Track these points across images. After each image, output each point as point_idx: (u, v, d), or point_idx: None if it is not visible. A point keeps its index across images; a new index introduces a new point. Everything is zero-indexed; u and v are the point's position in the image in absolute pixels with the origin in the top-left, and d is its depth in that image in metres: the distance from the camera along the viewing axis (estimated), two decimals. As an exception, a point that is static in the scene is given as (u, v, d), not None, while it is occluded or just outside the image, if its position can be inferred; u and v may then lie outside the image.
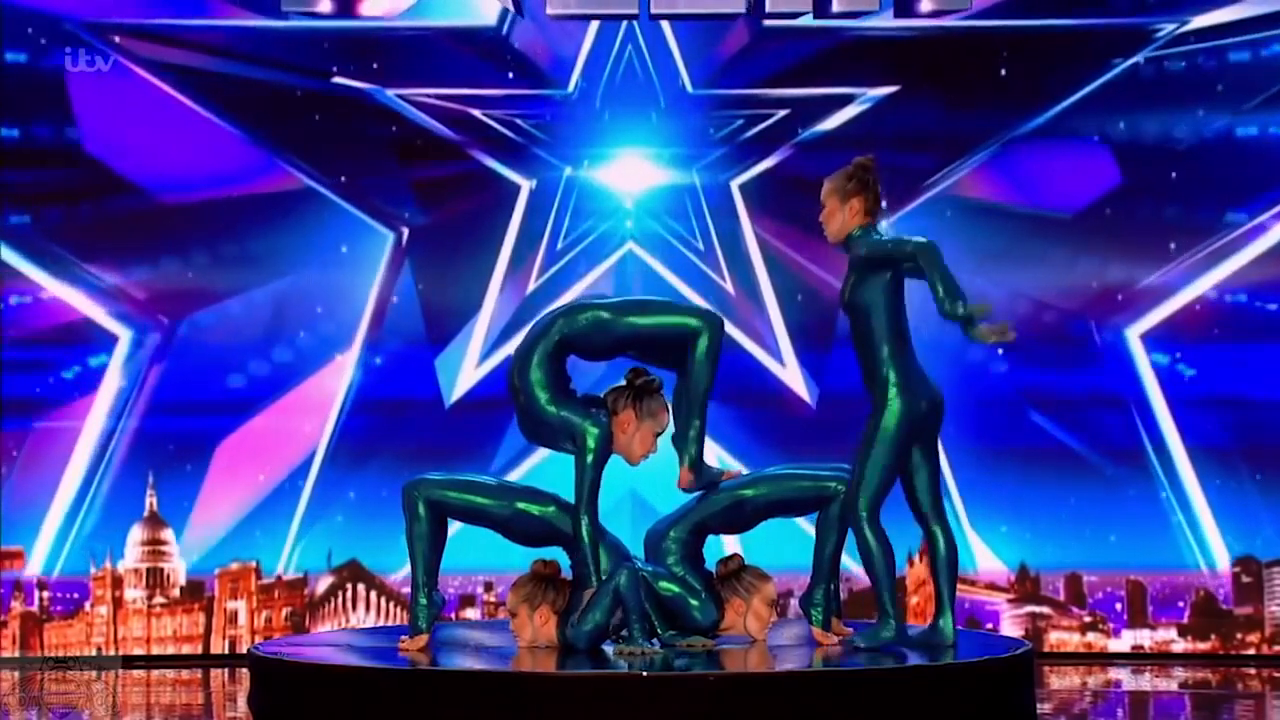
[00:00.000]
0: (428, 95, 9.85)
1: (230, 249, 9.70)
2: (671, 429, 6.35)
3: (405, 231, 9.82)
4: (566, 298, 9.33)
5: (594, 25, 9.81)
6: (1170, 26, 9.70)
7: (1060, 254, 9.65)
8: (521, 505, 6.19)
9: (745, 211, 9.98)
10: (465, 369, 9.86)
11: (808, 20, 9.70)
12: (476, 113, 9.83)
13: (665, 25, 9.78)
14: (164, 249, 9.67)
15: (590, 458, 6.14)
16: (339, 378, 9.66)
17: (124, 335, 9.63)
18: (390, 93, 9.83)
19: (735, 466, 6.64)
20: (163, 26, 9.68)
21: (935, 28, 9.84)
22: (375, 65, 9.80)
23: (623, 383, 6.29)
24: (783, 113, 9.88)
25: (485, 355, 9.88)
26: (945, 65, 9.85)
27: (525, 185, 9.89)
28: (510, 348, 9.55)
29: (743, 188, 9.97)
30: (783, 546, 7.62)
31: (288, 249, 9.70)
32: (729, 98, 9.94)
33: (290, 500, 9.65)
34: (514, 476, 9.08)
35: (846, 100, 9.89)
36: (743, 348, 9.93)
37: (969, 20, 9.76)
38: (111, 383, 9.60)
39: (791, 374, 9.95)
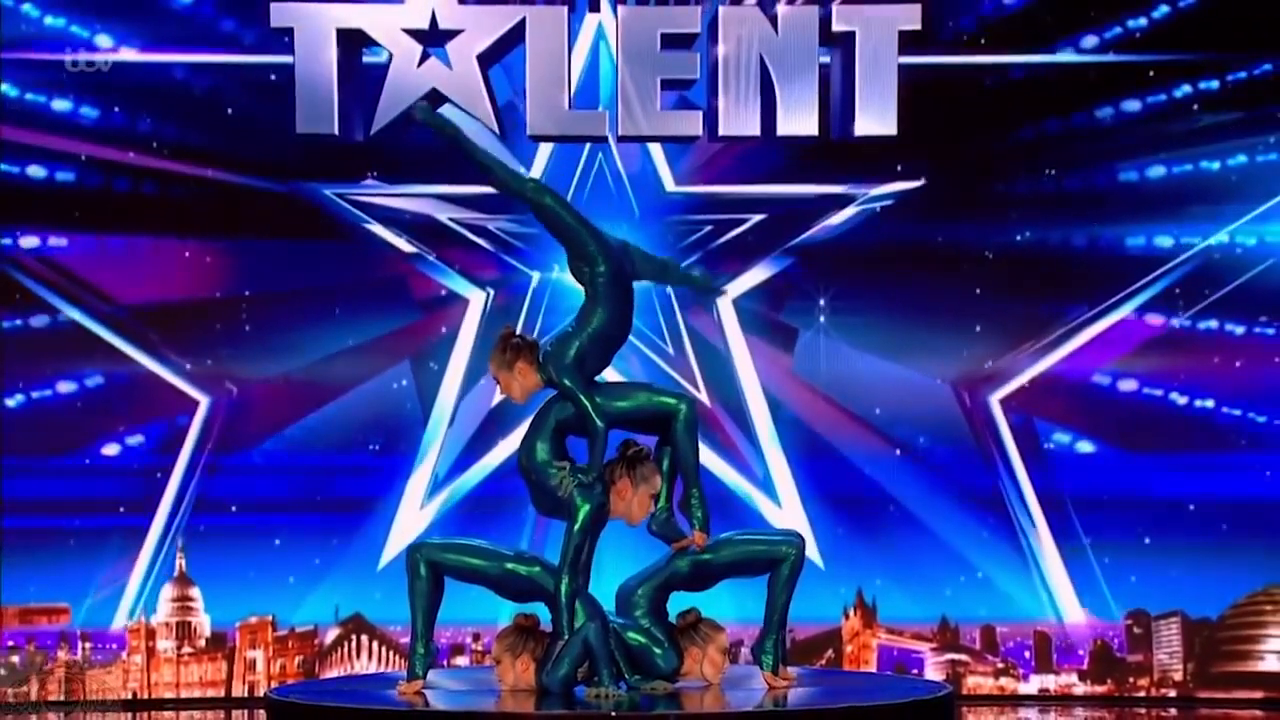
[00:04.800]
0: (373, 196, 9.37)
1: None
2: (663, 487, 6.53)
3: (228, 394, 9.29)
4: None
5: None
6: None
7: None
8: (510, 566, 6.39)
9: (736, 325, 9.10)
10: (408, 506, 9.52)
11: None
12: (444, 218, 9.41)
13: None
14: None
15: (577, 527, 6.30)
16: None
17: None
18: (329, 192, 9.36)
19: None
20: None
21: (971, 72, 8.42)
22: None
23: (616, 455, 6.44)
24: (758, 218, 9.21)
25: (437, 486, 9.47)
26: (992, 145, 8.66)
27: (478, 297, 9.52)
28: (478, 470, 9.56)
29: (736, 302, 9.46)
30: (734, 600, 7.60)
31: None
32: (706, 198, 9.32)
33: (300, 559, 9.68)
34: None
35: (846, 201, 9.09)
36: (724, 482, 9.34)
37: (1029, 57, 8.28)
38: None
39: (790, 510, 9.31)
